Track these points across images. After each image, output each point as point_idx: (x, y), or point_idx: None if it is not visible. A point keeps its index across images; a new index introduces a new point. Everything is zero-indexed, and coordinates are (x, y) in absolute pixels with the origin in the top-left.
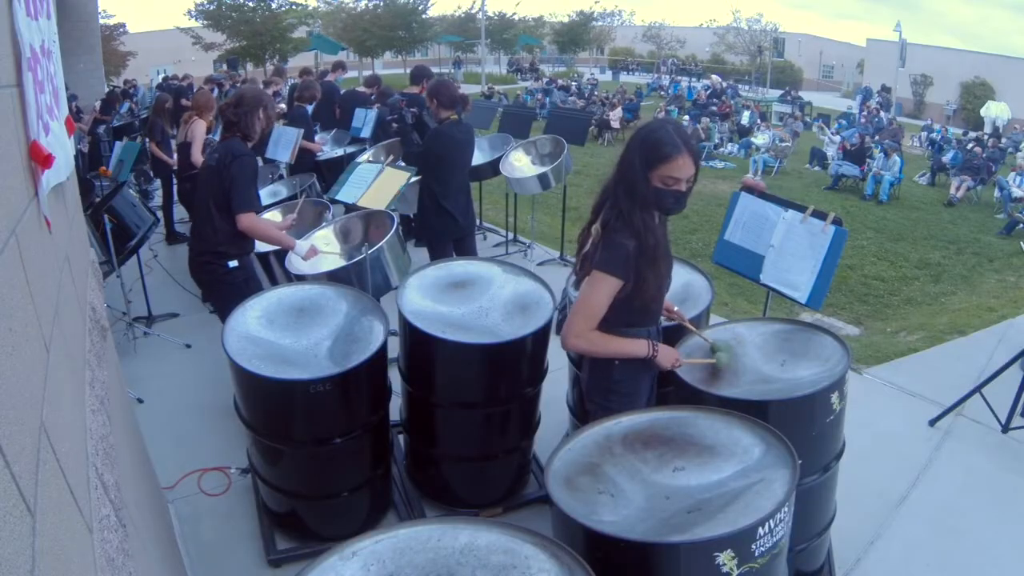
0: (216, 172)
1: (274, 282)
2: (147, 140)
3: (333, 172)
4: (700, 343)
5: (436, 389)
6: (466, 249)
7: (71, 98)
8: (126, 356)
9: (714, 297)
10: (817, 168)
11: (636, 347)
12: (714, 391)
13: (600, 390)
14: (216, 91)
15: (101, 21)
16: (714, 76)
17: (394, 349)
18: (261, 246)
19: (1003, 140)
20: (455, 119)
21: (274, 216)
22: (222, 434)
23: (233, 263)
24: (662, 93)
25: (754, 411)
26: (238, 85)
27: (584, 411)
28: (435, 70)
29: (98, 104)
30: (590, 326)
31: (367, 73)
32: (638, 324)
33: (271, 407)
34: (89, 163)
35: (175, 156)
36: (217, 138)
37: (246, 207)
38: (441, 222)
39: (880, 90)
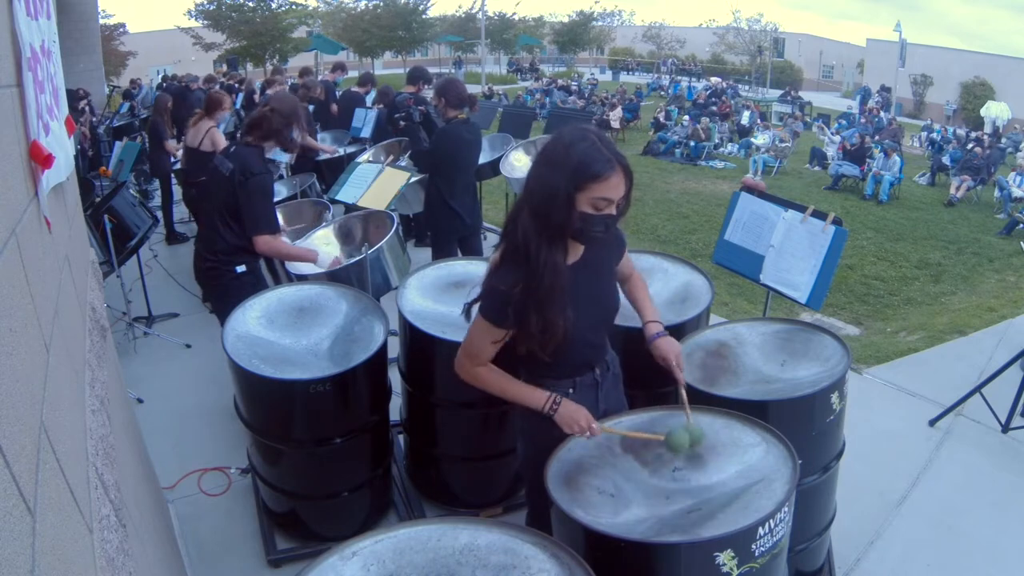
0: (228, 182)
1: (279, 280)
2: (147, 140)
3: (333, 172)
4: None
5: (436, 389)
6: (472, 248)
7: (83, 95)
8: (126, 356)
9: (714, 297)
10: (817, 168)
11: (532, 397)
12: (714, 391)
13: (519, 415)
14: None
15: (101, 21)
16: (713, 78)
17: (394, 349)
18: None
19: (1003, 140)
20: (463, 118)
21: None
22: (222, 434)
23: (241, 267)
24: (662, 93)
25: (754, 411)
26: (236, 85)
27: None
28: (435, 70)
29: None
30: (474, 363)
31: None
32: (553, 376)
33: (271, 407)
34: (89, 163)
35: (179, 156)
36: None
37: (263, 229)
38: (448, 221)
39: (880, 90)
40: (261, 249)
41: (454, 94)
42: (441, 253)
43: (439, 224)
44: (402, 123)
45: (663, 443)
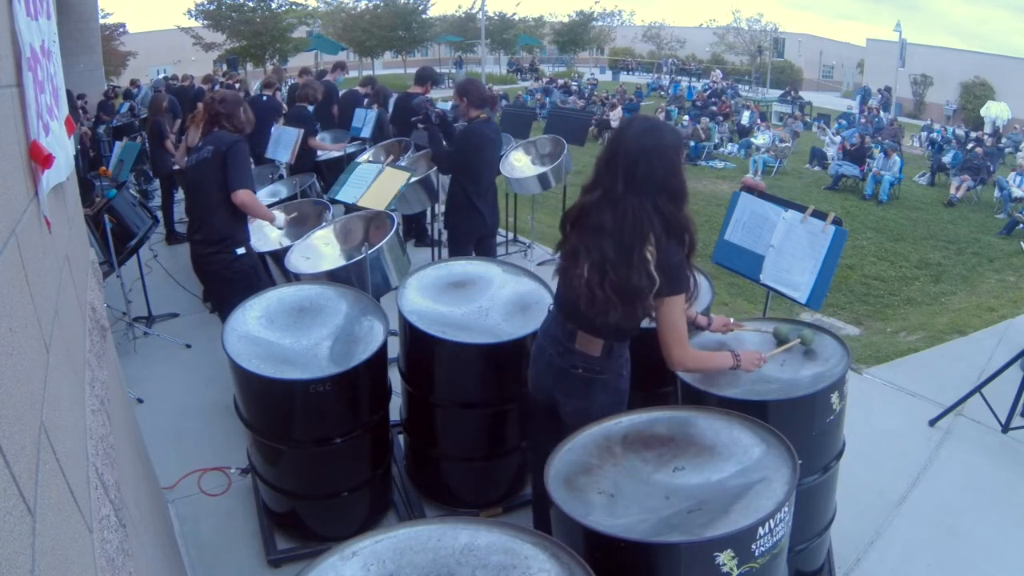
0: (212, 163)
1: (271, 282)
2: (147, 140)
3: (333, 172)
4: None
5: (436, 389)
6: (487, 248)
7: (78, 96)
8: (126, 356)
9: (714, 297)
10: (817, 168)
11: (722, 360)
12: (714, 391)
13: (612, 390)
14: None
15: (101, 21)
16: (713, 73)
17: (394, 349)
18: (256, 248)
19: (1003, 140)
20: (484, 118)
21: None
22: (222, 434)
23: (241, 250)
24: (662, 93)
25: (754, 411)
26: (235, 85)
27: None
28: (435, 70)
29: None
30: (688, 348)
31: (366, 73)
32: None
33: (271, 407)
34: (89, 163)
35: (183, 158)
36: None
37: (241, 185)
38: (471, 221)
39: (882, 89)
40: (241, 201)
41: (476, 94)
42: (457, 252)
43: (461, 224)
44: (420, 125)
45: (798, 341)
